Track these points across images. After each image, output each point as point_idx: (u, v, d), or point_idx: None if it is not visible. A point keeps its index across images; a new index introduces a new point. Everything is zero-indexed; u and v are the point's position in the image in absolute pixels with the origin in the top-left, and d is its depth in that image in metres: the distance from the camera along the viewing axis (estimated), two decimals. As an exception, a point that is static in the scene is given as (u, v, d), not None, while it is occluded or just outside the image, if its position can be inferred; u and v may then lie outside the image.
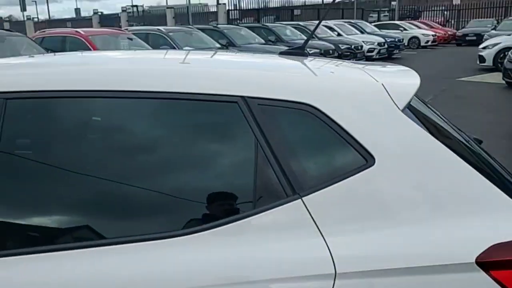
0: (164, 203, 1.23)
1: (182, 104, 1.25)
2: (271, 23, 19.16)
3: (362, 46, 15.52)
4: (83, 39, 9.60)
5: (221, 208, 1.21)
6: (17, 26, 29.62)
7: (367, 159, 1.16)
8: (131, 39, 10.25)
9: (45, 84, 1.29)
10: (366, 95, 1.26)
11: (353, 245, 1.12)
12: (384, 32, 19.42)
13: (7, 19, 42.10)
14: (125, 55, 2.02)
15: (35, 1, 50.38)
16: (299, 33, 15.43)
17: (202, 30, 12.85)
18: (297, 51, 1.73)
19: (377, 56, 16.02)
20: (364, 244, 1.12)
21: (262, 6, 30.28)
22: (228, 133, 1.28)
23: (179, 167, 1.26)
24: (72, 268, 1.15)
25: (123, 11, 30.27)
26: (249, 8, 29.36)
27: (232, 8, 27.96)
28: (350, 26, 18.53)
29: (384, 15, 31.46)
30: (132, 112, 1.29)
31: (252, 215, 1.15)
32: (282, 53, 1.78)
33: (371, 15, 31.39)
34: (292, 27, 16.06)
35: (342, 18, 23.80)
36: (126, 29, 13.06)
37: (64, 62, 1.69)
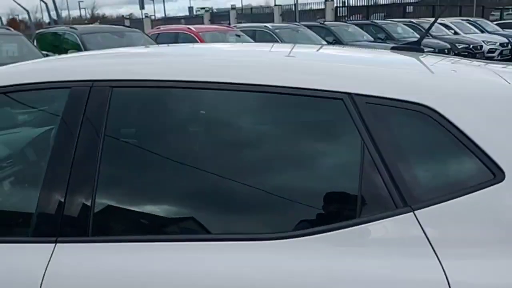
0: (262, 201, 1.18)
1: (284, 98, 1.18)
2: (381, 20, 18.45)
3: (482, 46, 14.26)
4: (194, 35, 10.05)
5: (322, 213, 1.13)
6: (136, 23, 32.04)
7: (495, 173, 1.02)
8: (238, 35, 10.49)
9: (153, 73, 1.27)
10: (497, 99, 1.12)
11: (473, 271, 0.99)
12: (508, 31, 17.71)
13: (128, 16, 45.93)
14: (232, 47, 2.03)
15: (153, 0, 54.12)
16: (411, 31, 14.59)
17: (309, 27, 12.74)
18: (412, 46, 1.61)
19: (499, 57, 14.60)
20: (487, 271, 0.99)
21: (372, 3, 29.32)
22: (332, 132, 1.20)
23: (277, 164, 1.20)
24: (171, 259, 1.10)
25: (232, 9, 31.24)
26: (358, 5, 28.60)
27: (340, 5, 27.46)
28: (468, 25, 17.13)
29: (508, 14, 28.64)
30: (236, 105, 1.25)
31: (357, 224, 1.05)
32: (394, 48, 1.66)
33: (492, 13, 28.79)
34: (404, 24, 15.25)
35: (460, 16, 22.15)
36: (235, 26, 13.42)
37: (172, 52, 1.69)
